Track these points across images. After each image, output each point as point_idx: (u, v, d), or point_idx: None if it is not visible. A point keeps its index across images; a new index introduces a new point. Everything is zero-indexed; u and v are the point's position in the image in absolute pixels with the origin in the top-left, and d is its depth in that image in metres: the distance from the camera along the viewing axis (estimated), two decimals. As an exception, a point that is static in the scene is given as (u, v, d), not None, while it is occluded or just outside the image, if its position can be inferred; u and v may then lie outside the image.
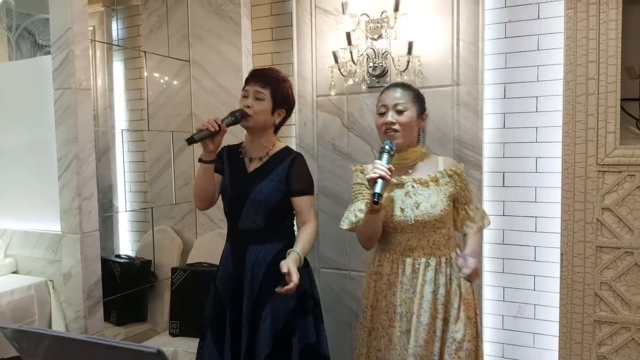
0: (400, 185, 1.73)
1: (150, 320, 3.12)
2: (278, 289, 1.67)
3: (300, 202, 1.93)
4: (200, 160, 1.87)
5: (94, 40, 3.37)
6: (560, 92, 2.16)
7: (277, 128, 2.00)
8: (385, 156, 1.62)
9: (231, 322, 1.93)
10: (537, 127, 2.30)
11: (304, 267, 1.91)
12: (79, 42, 2.23)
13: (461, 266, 1.56)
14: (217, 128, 1.78)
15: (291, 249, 1.83)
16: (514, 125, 2.34)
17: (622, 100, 2.06)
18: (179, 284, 2.72)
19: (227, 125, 1.82)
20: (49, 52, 2.33)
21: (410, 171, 1.76)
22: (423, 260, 1.72)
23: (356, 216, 1.76)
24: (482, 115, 2.33)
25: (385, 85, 2.47)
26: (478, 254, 1.66)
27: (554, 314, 2.26)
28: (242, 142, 2.05)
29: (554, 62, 2.23)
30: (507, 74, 2.34)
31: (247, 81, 1.95)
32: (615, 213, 2.08)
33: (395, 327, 1.74)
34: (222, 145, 1.94)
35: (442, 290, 1.71)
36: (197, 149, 3.02)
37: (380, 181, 1.54)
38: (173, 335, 2.69)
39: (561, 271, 2.17)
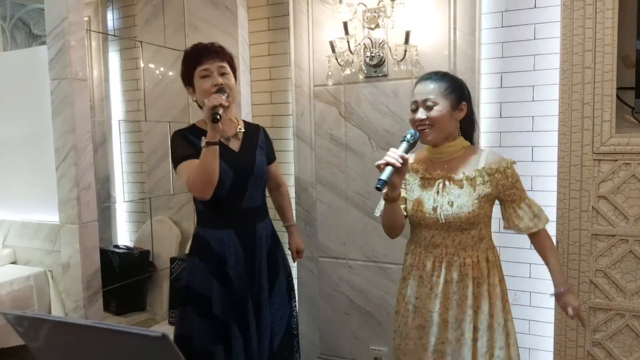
0: (433, 181, 1.66)
1: (149, 310, 3.14)
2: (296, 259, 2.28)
3: (274, 167, 2.17)
4: (208, 143, 1.71)
5: (90, 30, 3.35)
6: (557, 81, 2.16)
7: None
8: (403, 145, 1.56)
9: (253, 308, 1.92)
10: (533, 117, 2.31)
11: (284, 253, 2.14)
12: (74, 32, 2.22)
13: (565, 308, 1.65)
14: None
15: (289, 223, 2.28)
16: (511, 115, 2.35)
17: (617, 89, 2.07)
18: (178, 274, 2.74)
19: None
20: (44, 43, 2.32)
21: (446, 166, 1.66)
22: (445, 258, 1.64)
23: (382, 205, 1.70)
24: (479, 104, 2.34)
25: (382, 75, 2.50)
26: (565, 279, 1.68)
27: (549, 301, 2.28)
28: (193, 124, 1.96)
29: (550, 51, 2.24)
30: (503, 63, 2.34)
31: (200, 60, 1.85)
32: (610, 201, 2.10)
33: (406, 317, 1.71)
34: (170, 133, 2.01)
35: (468, 293, 1.62)
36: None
37: (388, 168, 1.49)
38: (172, 324, 2.70)
39: (557, 259, 2.19)
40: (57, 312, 2.39)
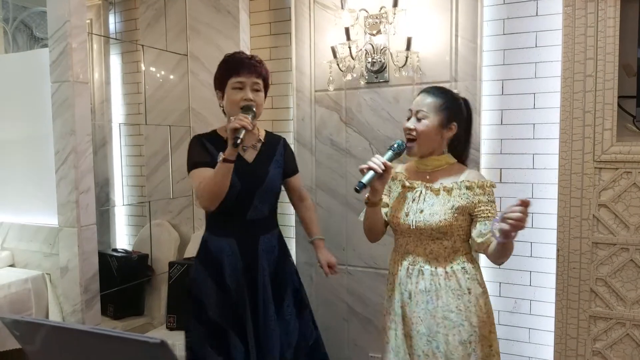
0: (412, 189, 1.70)
1: (147, 314, 3.13)
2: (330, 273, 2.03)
3: (296, 180, 2.09)
4: (225, 160, 1.72)
5: (91, 34, 3.35)
6: (558, 89, 2.16)
7: None
8: (389, 153, 1.64)
9: (251, 317, 1.89)
10: (534, 124, 2.31)
11: (292, 266, 2.09)
12: (76, 35, 2.22)
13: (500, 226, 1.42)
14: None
15: (313, 237, 2.08)
16: (512, 122, 2.35)
17: (619, 97, 2.07)
18: (177, 278, 2.73)
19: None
20: (45, 45, 2.32)
21: (428, 177, 1.70)
22: (417, 267, 1.67)
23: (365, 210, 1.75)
24: (480, 111, 2.34)
25: (383, 81, 2.50)
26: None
27: (550, 309, 2.27)
28: (214, 130, 1.97)
29: (551, 59, 2.24)
30: (505, 71, 2.34)
31: (238, 71, 1.85)
32: (611, 209, 2.09)
33: (392, 328, 1.72)
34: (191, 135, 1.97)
35: (440, 303, 1.62)
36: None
37: (370, 172, 1.56)
38: (170, 329, 2.70)
39: (557, 267, 2.18)
40: (54, 316, 2.38)
